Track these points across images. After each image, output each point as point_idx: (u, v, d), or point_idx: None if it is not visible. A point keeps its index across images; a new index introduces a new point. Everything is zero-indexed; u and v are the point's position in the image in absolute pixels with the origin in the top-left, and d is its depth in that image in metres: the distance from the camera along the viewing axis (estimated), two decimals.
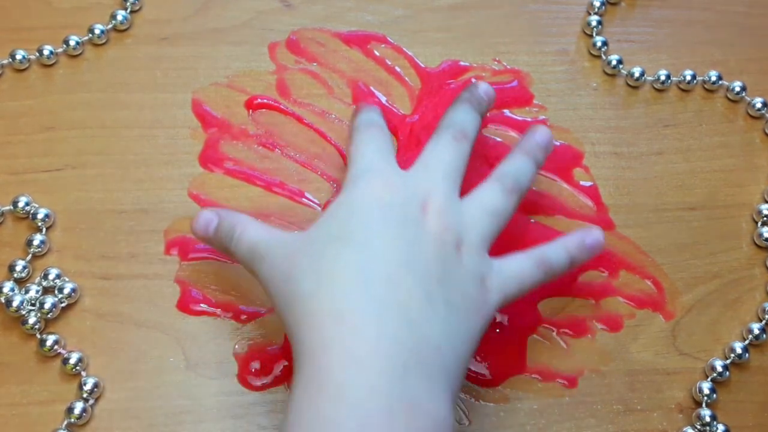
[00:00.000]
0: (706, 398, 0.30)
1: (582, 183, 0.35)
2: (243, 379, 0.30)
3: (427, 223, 0.25)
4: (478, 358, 0.30)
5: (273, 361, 0.30)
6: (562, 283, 0.32)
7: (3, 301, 0.30)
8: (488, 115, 0.30)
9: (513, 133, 0.35)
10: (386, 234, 0.25)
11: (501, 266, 0.26)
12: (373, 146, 0.29)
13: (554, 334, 0.31)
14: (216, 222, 0.28)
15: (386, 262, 0.24)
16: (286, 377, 0.30)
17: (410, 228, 0.25)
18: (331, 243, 0.25)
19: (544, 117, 0.36)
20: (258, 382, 0.30)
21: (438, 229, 0.25)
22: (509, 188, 0.28)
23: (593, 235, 0.28)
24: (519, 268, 0.27)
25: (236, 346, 0.30)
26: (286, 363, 0.30)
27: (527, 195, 0.30)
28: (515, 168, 0.29)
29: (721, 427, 0.30)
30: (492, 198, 0.27)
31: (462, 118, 0.29)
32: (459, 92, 0.31)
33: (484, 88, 0.31)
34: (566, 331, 0.32)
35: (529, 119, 0.36)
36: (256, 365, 0.30)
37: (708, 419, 0.30)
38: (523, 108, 0.36)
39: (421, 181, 0.27)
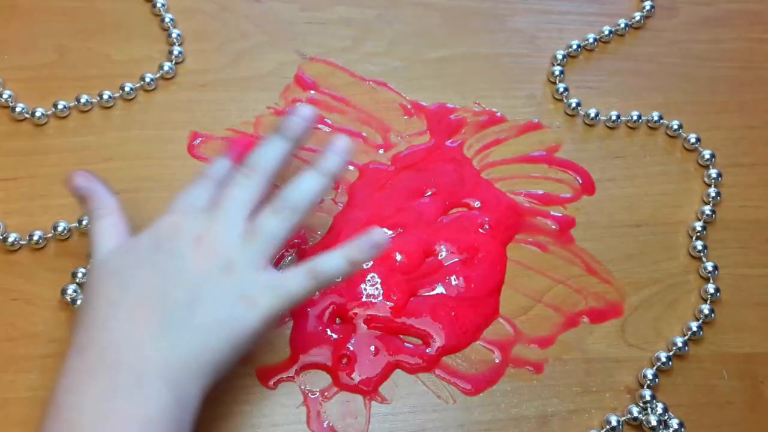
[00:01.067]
0: (648, 382, 0.32)
1: (552, 213, 0.37)
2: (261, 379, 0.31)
3: (193, 254, 0.26)
4: (463, 378, 0.32)
5: (281, 369, 0.31)
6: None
7: (69, 300, 0.32)
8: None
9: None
10: (148, 265, 0.26)
11: (273, 281, 0.27)
12: (187, 193, 0.29)
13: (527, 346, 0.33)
14: (90, 191, 0.29)
15: (135, 292, 0.26)
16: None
17: (174, 261, 0.26)
18: (105, 273, 0.27)
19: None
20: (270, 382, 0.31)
21: (201, 258, 0.26)
22: (279, 209, 0.28)
23: (373, 237, 0.28)
24: (290, 282, 0.27)
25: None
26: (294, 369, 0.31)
27: (518, 218, 0.32)
28: (292, 190, 0.29)
29: (660, 405, 0.32)
30: (265, 223, 0.28)
31: (262, 153, 0.29)
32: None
33: (300, 114, 0.30)
34: (534, 347, 0.33)
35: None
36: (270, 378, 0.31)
37: (648, 398, 0.32)
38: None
39: (208, 219, 0.28)
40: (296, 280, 0.27)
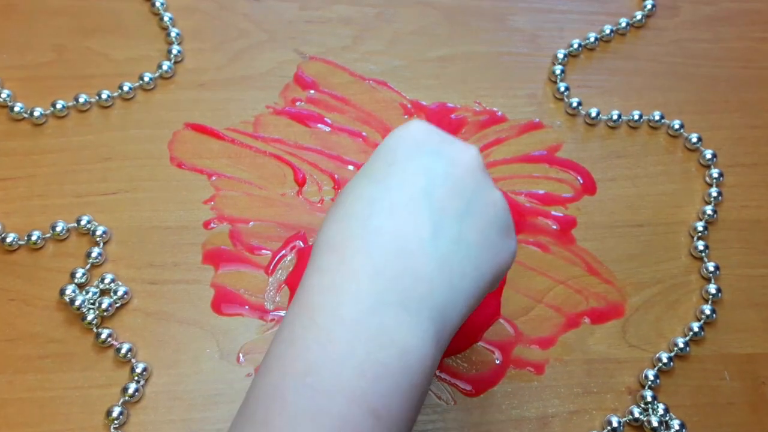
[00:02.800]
0: (650, 383, 0.32)
1: (553, 213, 0.37)
2: None
3: (463, 158, 0.23)
4: (463, 379, 0.31)
5: None
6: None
7: (67, 300, 0.32)
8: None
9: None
10: (408, 166, 0.22)
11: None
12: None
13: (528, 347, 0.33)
14: None
15: (400, 193, 0.22)
16: None
17: (441, 161, 0.22)
18: (355, 179, 0.23)
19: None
20: None
21: (473, 166, 0.23)
22: None
23: None
24: None
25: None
26: None
27: (519, 218, 0.32)
28: None
29: (661, 406, 0.31)
30: None
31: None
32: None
33: None
34: (535, 348, 0.33)
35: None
36: None
37: (650, 399, 0.31)
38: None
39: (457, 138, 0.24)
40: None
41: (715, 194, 0.37)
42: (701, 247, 0.36)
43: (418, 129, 0.23)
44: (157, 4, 0.40)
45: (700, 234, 0.36)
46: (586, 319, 0.34)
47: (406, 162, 0.22)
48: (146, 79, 0.38)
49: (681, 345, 0.33)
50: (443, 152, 0.23)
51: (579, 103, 0.39)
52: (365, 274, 0.20)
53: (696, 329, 0.33)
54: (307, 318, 0.20)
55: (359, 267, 0.20)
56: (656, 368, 0.32)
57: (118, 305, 0.32)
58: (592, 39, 0.42)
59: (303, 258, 0.34)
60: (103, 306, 0.32)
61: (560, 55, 0.41)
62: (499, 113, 0.39)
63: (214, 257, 0.34)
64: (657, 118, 0.39)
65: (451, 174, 0.22)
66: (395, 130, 0.24)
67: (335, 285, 0.20)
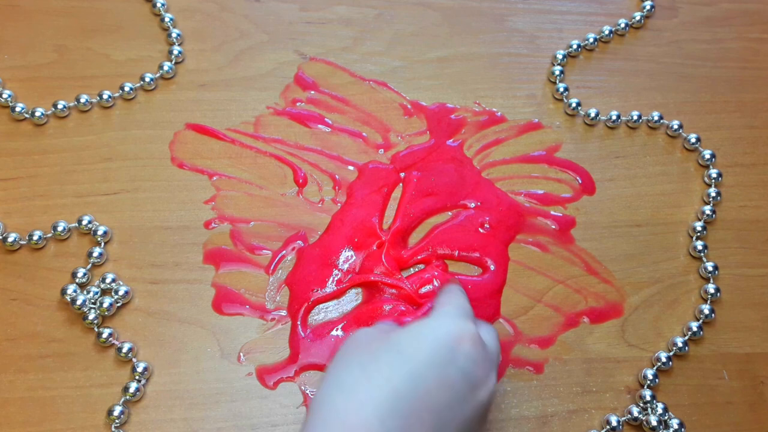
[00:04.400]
0: (649, 382, 0.32)
1: (553, 213, 0.37)
2: (261, 379, 0.31)
3: (483, 392, 0.24)
4: None
5: (281, 369, 0.31)
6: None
7: (69, 299, 0.32)
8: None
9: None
10: (440, 376, 0.23)
11: None
12: (465, 300, 0.27)
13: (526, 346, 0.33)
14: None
15: (421, 402, 0.22)
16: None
17: (466, 384, 0.23)
18: (390, 352, 0.23)
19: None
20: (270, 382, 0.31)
21: (488, 402, 0.24)
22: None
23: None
24: None
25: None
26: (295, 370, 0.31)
27: (519, 218, 0.33)
28: None
29: (660, 405, 0.31)
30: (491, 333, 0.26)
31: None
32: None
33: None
34: (534, 347, 0.33)
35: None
36: (269, 378, 0.31)
37: (649, 398, 0.32)
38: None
39: (488, 343, 0.25)
40: None
41: (713, 194, 0.37)
42: (700, 247, 0.36)
43: (468, 338, 0.24)
44: (158, 5, 0.40)
45: (698, 234, 0.36)
46: (585, 319, 0.34)
47: (439, 369, 0.23)
48: (147, 79, 0.38)
49: (680, 344, 0.33)
50: (471, 375, 0.23)
51: (578, 104, 0.39)
52: None
53: (695, 329, 0.33)
54: None
55: None
56: (655, 368, 0.32)
57: (119, 305, 0.32)
58: (591, 40, 0.42)
59: (303, 258, 0.34)
60: (104, 305, 0.32)
61: (559, 56, 0.41)
62: (499, 114, 0.39)
63: (215, 257, 0.34)
64: (656, 118, 0.39)
65: (467, 400, 0.23)
66: (447, 320, 0.24)
67: None
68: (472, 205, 0.36)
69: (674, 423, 0.31)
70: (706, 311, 0.34)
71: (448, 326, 0.24)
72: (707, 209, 0.37)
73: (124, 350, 0.31)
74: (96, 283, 0.33)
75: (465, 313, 0.25)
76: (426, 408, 0.22)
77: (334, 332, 0.32)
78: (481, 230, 0.35)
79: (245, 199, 0.36)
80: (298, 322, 0.32)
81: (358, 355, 0.24)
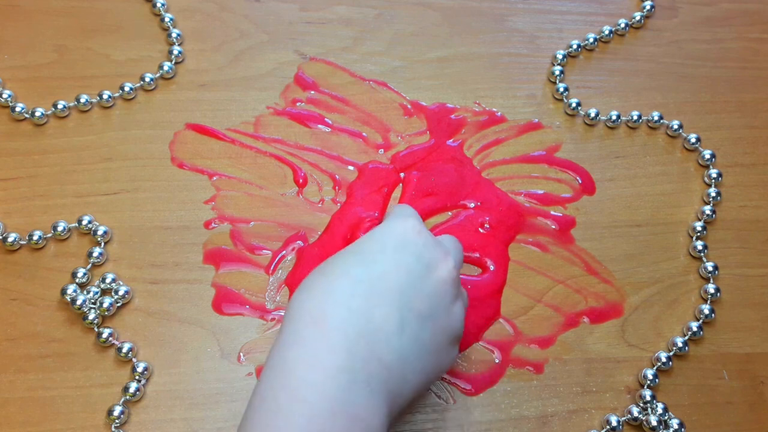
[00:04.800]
0: (649, 382, 0.32)
1: (553, 213, 0.37)
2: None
3: (440, 269, 0.25)
4: (463, 378, 0.32)
5: None
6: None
7: (69, 299, 0.32)
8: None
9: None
10: (394, 261, 0.24)
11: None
12: (407, 209, 0.28)
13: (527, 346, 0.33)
14: None
15: (380, 283, 0.24)
16: None
17: (420, 265, 0.25)
18: (345, 254, 0.25)
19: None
20: None
21: (446, 278, 0.25)
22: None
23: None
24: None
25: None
26: None
27: (519, 218, 0.33)
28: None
29: (660, 405, 0.31)
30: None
31: (457, 242, 0.29)
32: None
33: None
34: (534, 347, 0.33)
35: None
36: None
37: (649, 398, 0.32)
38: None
39: (445, 243, 0.27)
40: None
41: (713, 194, 0.37)
42: (700, 247, 0.36)
43: (413, 228, 0.26)
44: (158, 5, 0.40)
45: (698, 234, 0.36)
46: (585, 319, 0.34)
47: (392, 254, 0.25)
48: (147, 79, 0.38)
49: (680, 344, 0.33)
50: (424, 257, 0.25)
51: (578, 104, 0.39)
52: (342, 353, 0.22)
53: (695, 329, 0.33)
54: (292, 390, 0.22)
55: (337, 343, 0.22)
56: (655, 368, 0.32)
57: (119, 305, 0.32)
58: (591, 40, 0.42)
59: (303, 258, 0.34)
60: (104, 305, 0.32)
61: (559, 56, 0.41)
62: (499, 114, 0.39)
63: (215, 257, 0.34)
64: (656, 118, 0.39)
65: (425, 279, 0.25)
66: (393, 220, 0.27)
67: (316, 360, 0.22)
68: (472, 205, 0.36)
69: (674, 423, 0.31)
70: (706, 311, 0.34)
71: (394, 224, 0.26)
72: (707, 209, 0.37)
73: (124, 350, 0.31)
74: (96, 283, 0.33)
75: (409, 214, 0.27)
76: (386, 288, 0.24)
77: None
78: (481, 230, 0.35)
79: (245, 199, 0.36)
80: None
81: (318, 270, 0.25)
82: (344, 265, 0.25)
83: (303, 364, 0.22)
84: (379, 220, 0.35)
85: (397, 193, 0.37)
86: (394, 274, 0.24)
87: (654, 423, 0.31)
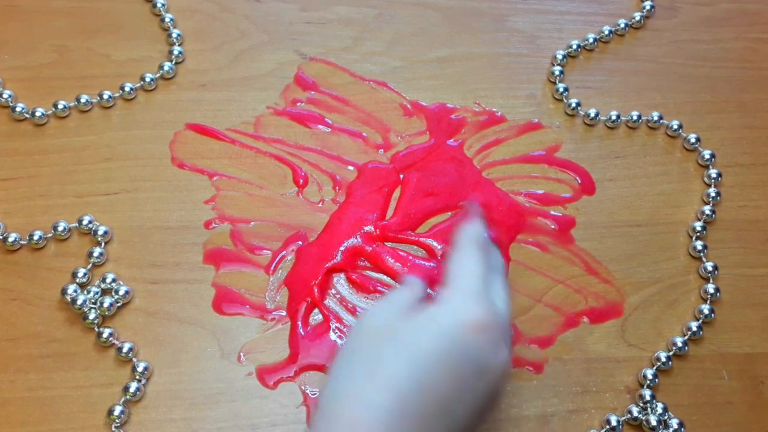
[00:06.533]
0: (648, 382, 0.32)
1: (552, 213, 0.37)
2: (261, 378, 0.31)
3: (493, 375, 0.23)
4: None
5: (281, 369, 0.31)
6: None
7: (69, 299, 0.32)
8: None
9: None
10: (449, 366, 0.22)
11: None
12: (477, 268, 0.25)
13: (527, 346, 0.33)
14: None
15: (429, 394, 0.22)
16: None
17: (476, 373, 0.23)
18: (393, 345, 0.23)
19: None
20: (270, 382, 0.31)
21: (501, 380, 0.23)
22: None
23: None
24: None
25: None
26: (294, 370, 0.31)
27: (518, 218, 0.33)
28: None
29: (660, 405, 0.31)
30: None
31: (496, 261, 0.28)
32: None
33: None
34: (534, 347, 0.33)
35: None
36: (269, 378, 0.31)
37: (648, 398, 0.31)
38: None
39: (497, 327, 0.24)
40: None
41: (713, 194, 0.37)
42: (700, 247, 0.36)
43: (475, 328, 0.23)
44: (158, 5, 0.40)
45: (698, 234, 0.36)
46: (585, 319, 0.34)
47: (447, 362, 0.22)
48: (147, 79, 0.38)
49: (680, 344, 0.33)
50: (480, 367, 0.23)
51: (578, 104, 0.39)
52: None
53: (694, 329, 0.33)
54: None
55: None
56: (655, 367, 0.32)
57: (119, 305, 0.32)
58: (590, 40, 0.42)
59: (302, 257, 0.34)
60: (105, 305, 0.32)
61: (559, 56, 0.41)
62: (499, 114, 0.39)
63: (215, 257, 0.34)
64: (656, 118, 0.39)
65: (476, 388, 0.23)
66: (452, 307, 0.24)
67: None
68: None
69: (674, 423, 0.31)
70: (706, 311, 0.34)
71: (454, 314, 0.23)
72: (707, 209, 0.37)
73: (125, 350, 0.31)
74: (96, 283, 0.33)
75: (473, 290, 0.24)
76: (433, 403, 0.22)
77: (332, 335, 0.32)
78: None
79: (245, 199, 0.36)
80: (299, 322, 0.32)
81: (362, 352, 0.23)
82: (393, 368, 0.22)
83: None
84: (380, 220, 0.35)
85: (397, 193, 0.37)
86: (443, 385, 0.22)
87: (654, 423, 0.31)
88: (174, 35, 0.39)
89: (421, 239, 0.35)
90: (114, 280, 0.33)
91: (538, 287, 0.34)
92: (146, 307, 0.33)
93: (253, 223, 0.35)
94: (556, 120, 0.40)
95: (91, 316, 0.31)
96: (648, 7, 0.44)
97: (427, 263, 0.34)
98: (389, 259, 0.34)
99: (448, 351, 0.22)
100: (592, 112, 0.39)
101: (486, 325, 0.23)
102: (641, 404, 0.32)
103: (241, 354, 0.32)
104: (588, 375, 0.32)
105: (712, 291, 0.34)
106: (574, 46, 0.41)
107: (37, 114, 0.36)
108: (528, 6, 0.43)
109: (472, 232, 0.27)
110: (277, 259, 0.34)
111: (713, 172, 0.38)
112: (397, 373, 0.22)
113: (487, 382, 0.23)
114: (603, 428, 0.31)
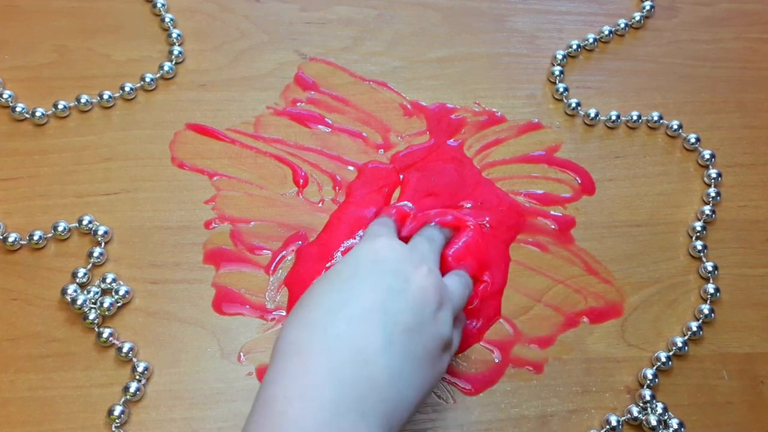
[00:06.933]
0: (648, 382, 0.32)
1: (552, 213, 0.37)
2: (261, 379, 0.31)
3: (417, 279, 0.25)
4: (463, 378, 0.32)
5: None
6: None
7: (69, 299, 0.32)
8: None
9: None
10: (370, 280, 0.25)
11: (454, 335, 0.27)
12: (381, 227, 0.29)
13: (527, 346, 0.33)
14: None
15: (358, 305, 0.24)
16: None
17: (398, 280, 0.25)
18: (321, 282, 0.25)
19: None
20: None
21: (425, 286, 0.25)
22: (465, 284, 0.29)
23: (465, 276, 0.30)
24: (457, 339, 0.28)
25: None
26: None
27: (519, 218, 0.34)
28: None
29: (660, 405, 0.31)
30: (459, 281, 0.29)
31: (430, 232, 0.30)
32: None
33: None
34: (534, 347, 0.33)
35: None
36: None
37: (648, 398, 0.32)
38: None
39: (416, 251, 0.27)
40: (458, 336, 0.28)
41: (713, 194, 0.37)
42: (699, 247, 0.36)
43: (384, 246, 0.26)
44: (158, 5, 0.40)
45: (698, 234, 0.36)
46: (585, 319, 0.34)
47: (367, 276, 0.25)
48: (147, 79, 0.38)
49: (679, 344, 0.33)
50: (401, 272, 0.25)
51: (578, 104, 0.39)
52: (327, 382, 0.22)
53: (694, 328, 0.33)
54: (277, 426, 0.21)
55: (321, 375, 0.22)
56: (655, 367, 0.32)
57: (119, 305, 0.32)
58: (590, 40, 0.42)
59: (302, 257, 0.34)
60: (105, 305, 0.32)
61: (559, 56, 0.41)
62: (499, 114, 0.39)
63: (215, 257, 0.34)
64: (655, 118, 0.39)
65: (404, 292, 0.25)
66: (364, 242, 0.27)
67: (299, 394, 0.22)
68: (468, 205, 0.36)
69: (674, 423, 0.31)
70: (706, 311, 0.34)
71: (365, 246, 0.26)
72: (707, 209, 0.37)
73: (125, 350, 0.31)
74: (96, 283, 0.33)
75: (378, 233, 0.28)
76: (365, 309, 0.24)
77: None
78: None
79: (245, 199, 0.36)
80: None
81: (299, 301, 0.25)
82: (321, 295, 0.25)
83: (287, 401, 0.22)
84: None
85: (397, 193, 0.37)
86: (370, 294, 0.24)
87: (654, 423, 0.31)
88: (174, 35, 0.39)
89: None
90: (114, 280, 0.33)
91: (538, 287, 0.34)
92: (146, 307, 0.33)
93: (253, 223, 0.35)
94: (556, 120, 0.40)
95: (91, 316, 0.31)
96: (648, 7, 0.44)
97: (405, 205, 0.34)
98: None
99: (368, 267, 0.25)
100: (592, 112, 0.39)
101: (394, 244, 0.26)
102: (641, 404, 0.32)
103: (242, 354, 0.32)
104: (588, 375, 0.32)
105: (712, 291, 0.34)
106: (574, 46, 0.41)
107: (37, 114, 0.36)
108: (528, 6, 0.43)
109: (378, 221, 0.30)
110: (277, 259, 0.34)
111: (713, 172, 0.38)
112: (327, 296, 0.24)
113: (415, 288, 0.25)
114: (603, 428, 0.31)
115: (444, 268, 0.30)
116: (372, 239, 0.27)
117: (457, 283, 0.28)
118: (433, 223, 0.31)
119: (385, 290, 0.24)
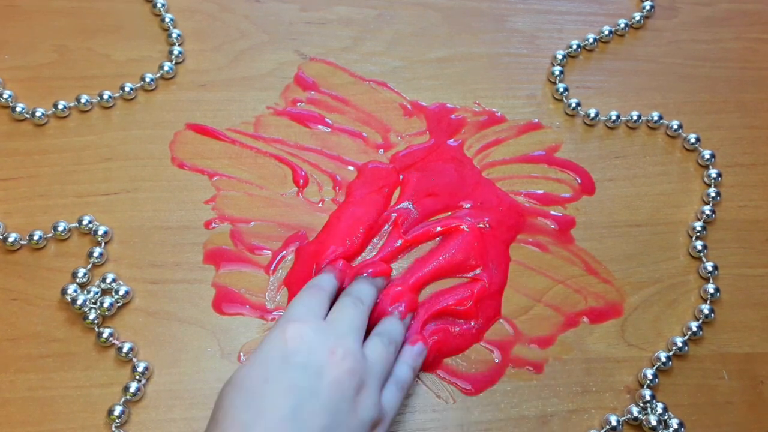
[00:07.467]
0: (648, 382, 0.32)
1: (552, 213, 0.37)
2: None
3: (330, 371, 0.25)
4: (463, 378, 0.32)
5: None
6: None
7: (69, 299, 0.32)
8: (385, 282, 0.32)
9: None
10: (281, 384, 0.24)
11: (385, 403, 0.27)
12: (305, 301, 0.28)
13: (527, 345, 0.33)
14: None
15: (272, 417, 0.23)
16: None
17: (309, 377, 0.24)
18: (232, 389, 0.25)
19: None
20: None
21: (340, 376, 0.25)
22: (387, 343, 0.29)
23: (418, 347, 0.30)
24: (394, 401, 0.28)
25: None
26: None
27: (519, 218, 0.34)
28: (387, 326, 0.30)
29: (660, 405, 0.31)
30: (380, 343, 0.28)
31: (359, 288, 0.30)
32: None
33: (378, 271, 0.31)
34: (534, 347, 0.33)
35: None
36: None
37: (648, 398, 0.32)
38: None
39: (333, 327, 0.27)
40: (397, 397, 0.28)
41: (713, 194, 0.37)
42: (700, 247, 0.36)
43: (293, 336, 0.26)
44: (158, 5, 0.40)
45: (698, 234, 0.36)
46: (585, 319, 0.34)
47: (276, 378, 0.24)
48: (147, 79, 0.38)
49: (680, 344, 0.33)
50: (312, 365, 0.25)
51: (578, 104, 0.39)
52: None
53: (694, 328, 0.33)
54: None
55: None
56: (655, 367, 0.32)
57: (119, 305, 0.32)
58: (590, 40, 0.42)
59: (301, 256, 0.34)
60: (105, 305, 0.32)
61: (559, 56, 0.41)
62: (499, 114, 0.39)
63: (215, 257, 0.34)
64: (655, 118, 0.39)
65: (318, 392, 0.24)
66: (274, 331, 0.26)
67: None
68: (468, 205, 0.36)
69: (674, 423, 0.31)
70: (706, 311, 0.34)
71: (274, 338, 0.26)
72: (707, 209, 0.37)
73: (125, 350, 0.31)
74: (96, 283, 0.33)
75: (290, 318, 0.27)
76: (277, 420, 0.23)
77: None
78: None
79: (245, 199, 0.36)
80: None
81: (212, 415, 0.25)
82: (233, 408, 0.24)
83: None
84: (369, 228, 0.35)
85: (397, 193, 0.36)
86: (282, 400, 0.24)
87: (654, 423, 0.31)
88: (174, 35, 0.39)
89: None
90: (114, 280, 0.33)
91: (538, 287, 0.34)
92: (146, 307, 0.33)
93: (253, 223, 0.35)
94: (556, 120, 0.40)
95: (91, 316, 0.31)
96: (648, 7, 0.44)
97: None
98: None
99: (278, 366, 0.25)
100: (592, 112, 0.39)
101: (305, 329, 0.26)
102: (641, 404, 0.32)
103: (241, 354, 0.32)
104: (588, 375, 0.32)
105: (712, 291, 0.34)
106: (574, 46, 0.41)
107: (37, 114, 0.36)
108: (528, 6, 0.43)
109: (315, 281, 0.30)
110: (277, 259, 0.34)
111: (713, 172, 0.38)
112: (239, 413, 0.24)
113: (328, 382, 0.24)
114: (603, 428, 0.31)
115: (380, 311, 0.30)
116: (284, 325, 0.26)
117: (378, 347, 0.28)
118: (364, 275, 0.31)
119: (296, 394, 0.24)
